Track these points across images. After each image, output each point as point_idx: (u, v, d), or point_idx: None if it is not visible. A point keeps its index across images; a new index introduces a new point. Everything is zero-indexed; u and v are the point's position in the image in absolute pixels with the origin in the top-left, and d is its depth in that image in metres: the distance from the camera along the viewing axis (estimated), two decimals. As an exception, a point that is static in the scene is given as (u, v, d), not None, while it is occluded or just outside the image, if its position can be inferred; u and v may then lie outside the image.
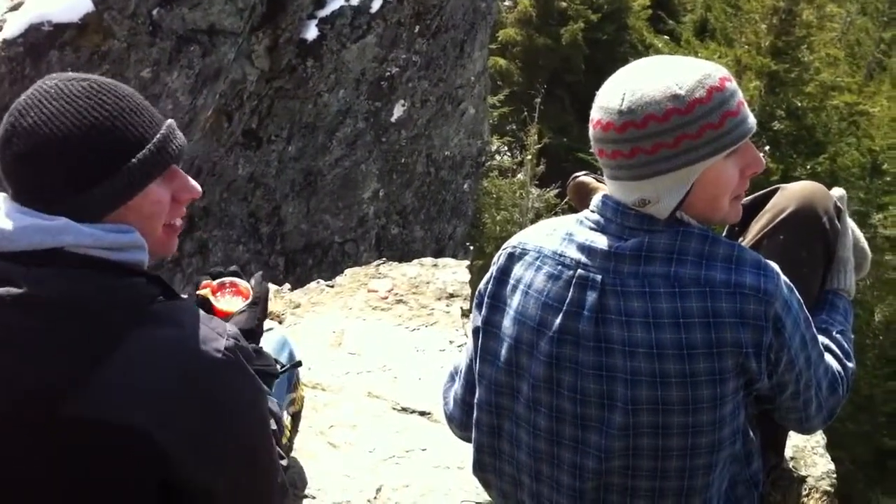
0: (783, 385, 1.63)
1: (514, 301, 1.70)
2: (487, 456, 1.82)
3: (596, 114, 1.62)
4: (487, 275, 1.80)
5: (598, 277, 1.59)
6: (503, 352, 1.71)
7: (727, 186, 1.62)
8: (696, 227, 1.61)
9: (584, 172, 2.73)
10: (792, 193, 2.02)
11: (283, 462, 1.60)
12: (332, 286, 4.26)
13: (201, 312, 1.36)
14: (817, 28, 9.81)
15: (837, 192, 2.08)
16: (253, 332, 1.87)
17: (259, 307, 1.92)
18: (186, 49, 6.60)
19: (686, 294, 1.54)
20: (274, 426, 1.60)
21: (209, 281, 1.98)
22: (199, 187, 1.46)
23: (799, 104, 9.05)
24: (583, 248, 1.63)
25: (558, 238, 1.68)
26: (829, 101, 9.23)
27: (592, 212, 1.68)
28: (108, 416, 1.21)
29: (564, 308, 1.62)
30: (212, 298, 1.93)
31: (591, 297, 1.58)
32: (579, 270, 1.62)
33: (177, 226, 1.47)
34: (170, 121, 1.41)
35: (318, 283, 4.36)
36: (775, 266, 1.59)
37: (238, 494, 1.35)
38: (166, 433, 1.22)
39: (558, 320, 1.62)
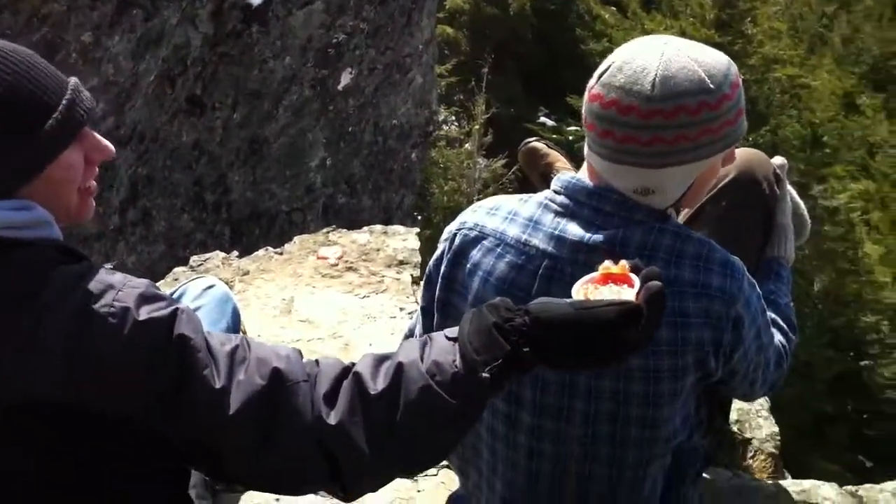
0: (735, 372, 1.64)
1: (473, 286, 1.62)
2: None
3: (610, 92, 1.50)
4: (437, 253, 1.72)
5: (568, 270, 1.53)
6: None
7: (715, 179, 1.63)
8: (672, 224, 1.57)
9: (534, 138, 2.74)
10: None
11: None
12: (280, 254, 4.23)
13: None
14: (761, 1, 9.92)
15: (778, 160, 2.11)
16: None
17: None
18: (128, 12, 6.44)
19: None
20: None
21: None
22: (111, 146, 1.36)
23: (742, 76, 9.07)
24: (551, 238, 1.56)
25: (520, 223, 1.60)
26: (772, 74, 9.34)
27: (557, 192, 1.60)
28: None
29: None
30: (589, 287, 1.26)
31: (560, 290, 1.43)
32: (546, 261, 1.55)
33: (92, 188, 1.36)
34: (73, 79, 1.31)
35: (266, 250, 4.33)
36: (741, 265, 1.58)
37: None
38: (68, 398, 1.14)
39: None
